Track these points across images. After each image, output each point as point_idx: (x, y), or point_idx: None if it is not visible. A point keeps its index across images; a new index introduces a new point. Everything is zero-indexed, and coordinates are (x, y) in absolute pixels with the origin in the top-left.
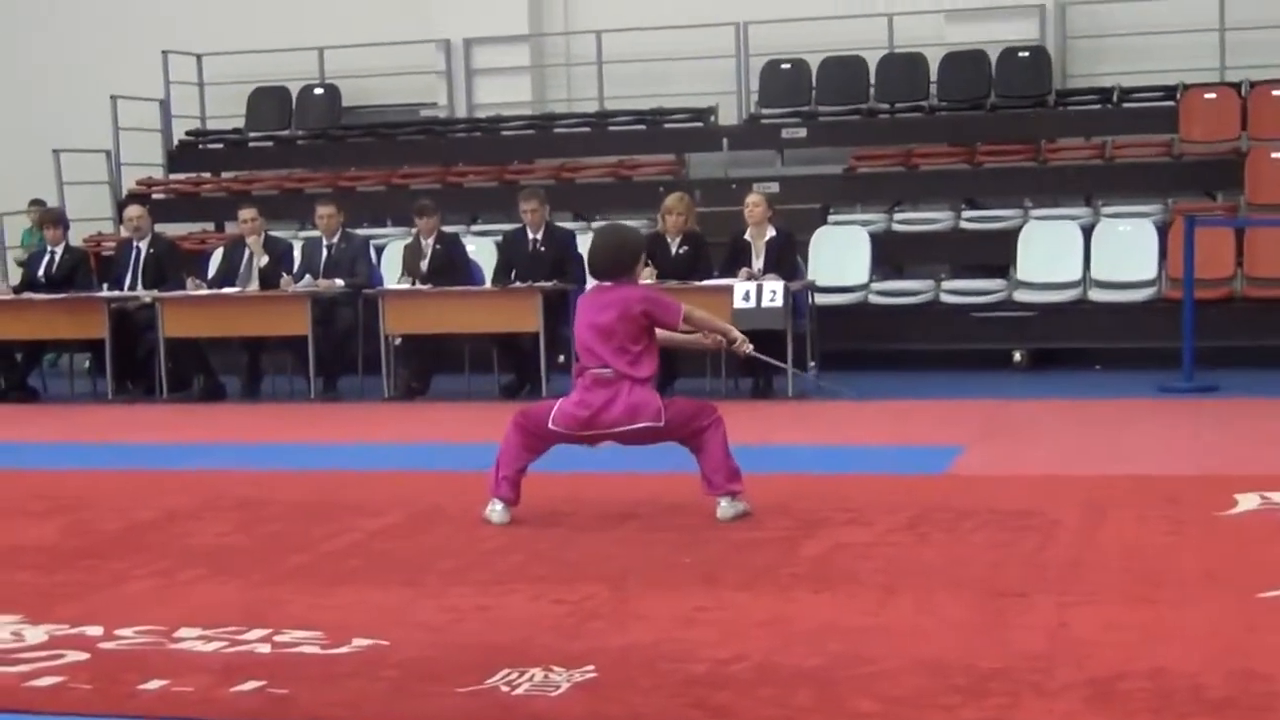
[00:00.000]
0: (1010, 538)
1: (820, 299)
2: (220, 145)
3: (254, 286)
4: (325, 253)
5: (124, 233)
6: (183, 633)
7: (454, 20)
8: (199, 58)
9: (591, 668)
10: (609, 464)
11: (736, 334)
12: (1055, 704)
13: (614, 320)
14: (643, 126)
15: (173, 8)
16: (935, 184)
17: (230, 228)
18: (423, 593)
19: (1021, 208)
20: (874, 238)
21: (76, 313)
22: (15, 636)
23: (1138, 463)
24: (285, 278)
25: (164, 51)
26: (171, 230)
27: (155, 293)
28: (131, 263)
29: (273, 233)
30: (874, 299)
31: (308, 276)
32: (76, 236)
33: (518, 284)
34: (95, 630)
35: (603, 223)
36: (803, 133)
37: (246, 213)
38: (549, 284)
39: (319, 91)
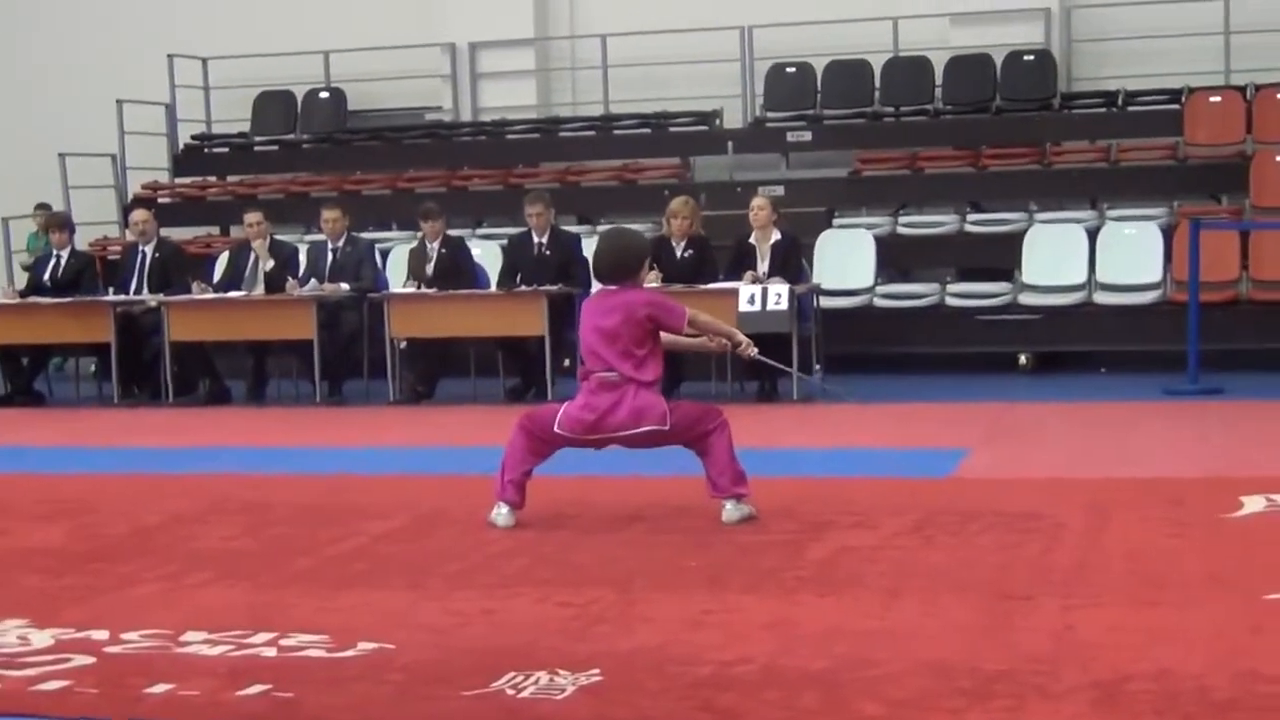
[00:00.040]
0: (1015, 540)
1: (825, 302)
2: (225, 149)
3: (259, 290)
4: (330, 256)
5: (129, 237)
6: (188, 636)
7: (459, 24)
8: (204, 61)
9: (597, 671)
10: (614, 467)
11: (741, 337)
12: (1061, 706)
13: (619, 324)
14: (648, 130)
15: (178, 12)
16: (940, 187)
17: (236, 231)
18: (428, 596)
19: (1026, 211)
20: (879, 241)
21: (82, 317)
22: (21, 640)
23: (1143, 465)
24: (290, 281)
25: (169, 55)
26: (177, 234)
27: (161, 297)
28: (137, 267)
29: (278, 236)
30: (879, 302)
31: (313, 280)
32: (82, 240)
33: (523, 288)
34: (101, 634)
35: (608, 226)
36: (808, 136)
37: (252, 216)
38: (554, 287)
39: (324, 95)
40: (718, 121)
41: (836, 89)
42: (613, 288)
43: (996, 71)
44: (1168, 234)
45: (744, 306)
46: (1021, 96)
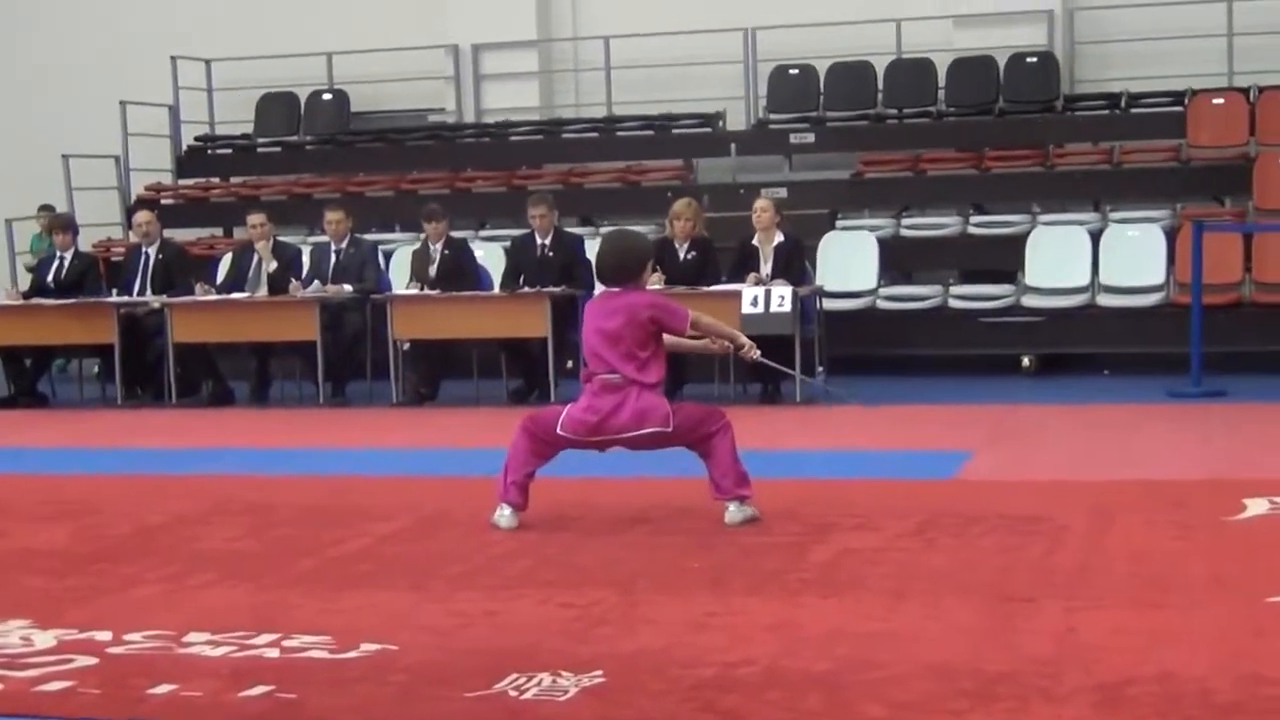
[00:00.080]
0: (1018, 543)
1: (828, 304)
2: (229, 150)
3: (262, 292)
4: (334, 258)
5: (133, 238)
6: (191, 637)
7: (463, 26)
8: (208, 63)
9: (600, 672)
10: (617, 469)
11: (744, 339)
12: (1063, 709)
13: (621, 326)
14: (651, 132)
15: (182, 13)
16: (943, 189)
17: (239, 233)
18: (431, 597)
19: (1029, 213)
20: (882, 243)
21: (85, 318)
22: (24, 641)
23: (1146, 468)
24: (294, 283)
25: (173, 57)
26: (180, 235)
27: (164, 298)
28: (140, 268)
29: (281, 238)
30: (882, 304)
31: (316, 282)
32: (85, 242)
33: (526, 289)
34: (104, 635)
35: (611, 228)
36: (811, 138)
37: (255, 218)
38: (557, 289)
39: (328, 97)
40: (721, 123)
41: (839, 91)
42: (615, 290)
43: (999, 73)
44: (1171, 236)
45: (747, 308)
46: (1024, 98)
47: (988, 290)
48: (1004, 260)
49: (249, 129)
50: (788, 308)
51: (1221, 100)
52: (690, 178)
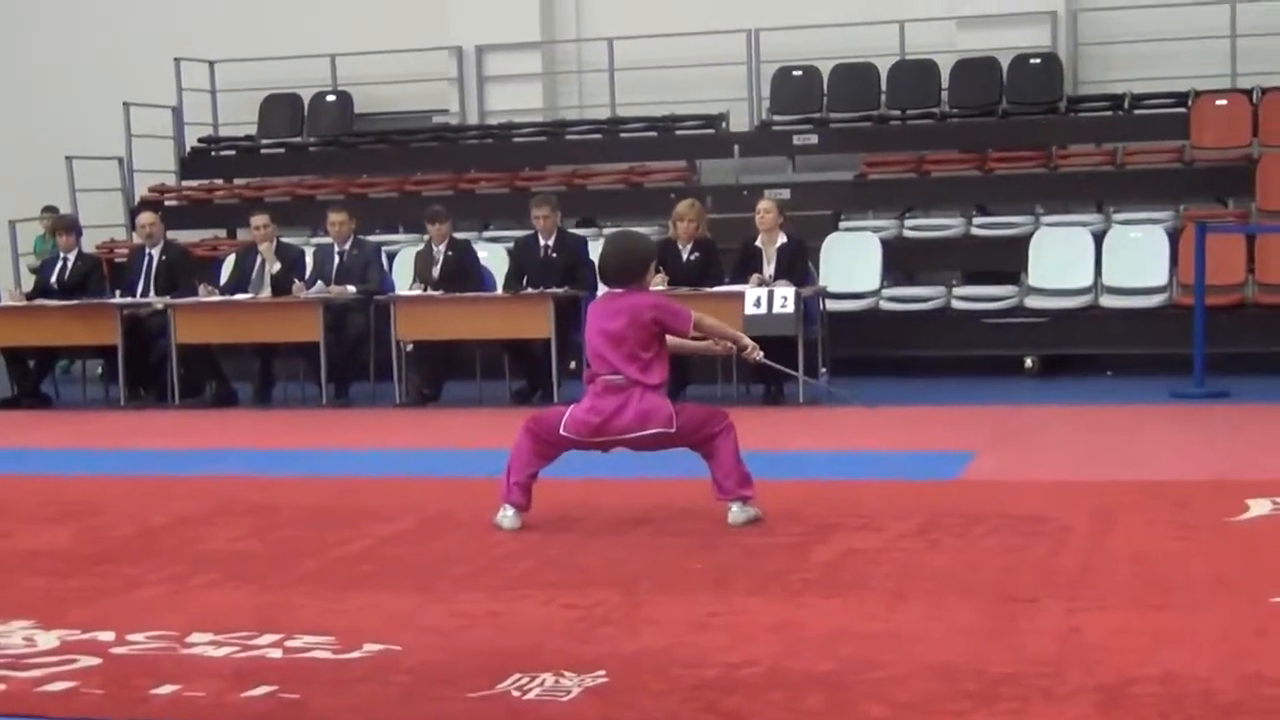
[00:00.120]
0: (1021, 543)
1: (831, 305)
2: (233, 152)
3: (266, 293)
4: (337, 259)
5: (136, 239)
6: (194, 638)
7: (466, 27)
8: (211, 65)
9: (603, 672)
10: (620, 469)
11: (747, 340)
12: (1065, 709)
13: (624, 327)
14: (654, 133)
15: (185, 15)
16: (946, 190)
17: (242, 234)
18: (434, 598)
19: (1033, 214)
20: (885, 244)
21: (89, 319)
22: (27, 642)
23: (1149, 468)
24: (297, 284)
25: (176, 59)
26: (184, 237)
27: (167, 299)
28: (144, 269)
29: (285, 239)
30: (885, 305)
31: (319, 283)
32: (89, 243)
33: (529, 290)
34: (107, 635)
35: (614, 229)
36: (814, 139)
37: (258, 219)
38: (560, 290)
39: (331, 98)
40: (724, 124)
41: (843, 92)
42: (619, 291)
43: (1003, 75)
44: (1174, 237)
45: (750, 309)
46: (1028, 100)
47: (991, 291)
48: (1007, 261)
49: (252, 130)
50: (791, 309)
51: (1225, 101)
52: (693, 179)
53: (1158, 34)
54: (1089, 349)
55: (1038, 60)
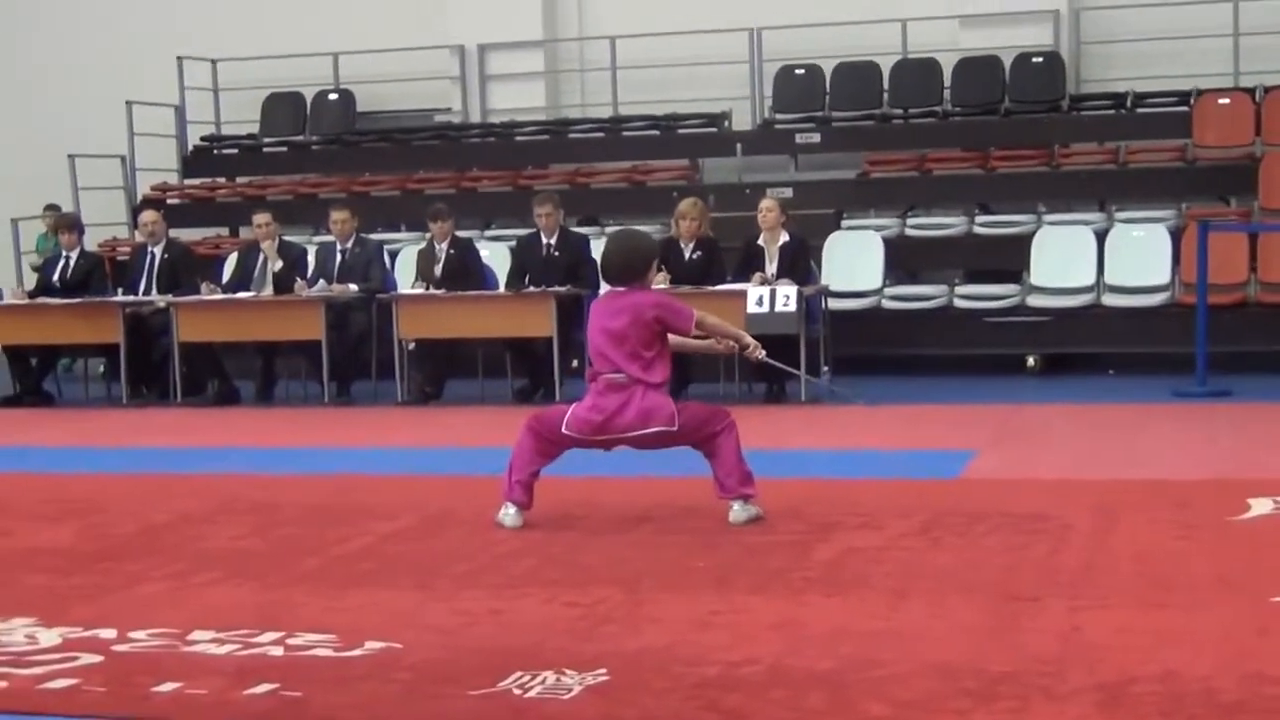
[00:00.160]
0: (1023, 542)
1: (833, 304)
2: (235, 150)
3: (268, 291)
4: (339, 257)
5: (139, 238)
6: (196, 635)
7: (468, 26)
8: (214, 63)
9: (604, 670)
10: (622, 468)
11: (749, 339)
12: (1066, 708)
13: (626, 325)
14: (656, 132)
15: (188, 14)
16: (949, 189)
17: (245, 233)
18: (435, 596)
19: (1035, 213)
20: (887, 242)
21: (91, 317)
22: (29, 639)
23: (1150, 467)
24: (299, 282)
25: (179, 57)
26: (186, 235)
27: (170, 297)
28: (146, 267)
29: (287, 238)
30: (887, 304)
31: (322, 281)
32: (91, 241)
33: (531, 289)
34: (109, 633)
35: (616, 228)
36: (816, 138)
37: (261, 218)
38: (563, 289)
39: (334, 97)
40: (726, 123)
41: (845, 91)
42: (621, 289)
43: (1005, 73)
44: (1176, 236)
45: (752, 308)
46: (1030, 98)
47: (993, 290)
48: (1009, 260)
49: (255, 129)
50: (793, 307)
51: (1227, 100)
52: (696, 177)
53: (1160, 32)
54: (1091, 348)
55: (1040, 59)
